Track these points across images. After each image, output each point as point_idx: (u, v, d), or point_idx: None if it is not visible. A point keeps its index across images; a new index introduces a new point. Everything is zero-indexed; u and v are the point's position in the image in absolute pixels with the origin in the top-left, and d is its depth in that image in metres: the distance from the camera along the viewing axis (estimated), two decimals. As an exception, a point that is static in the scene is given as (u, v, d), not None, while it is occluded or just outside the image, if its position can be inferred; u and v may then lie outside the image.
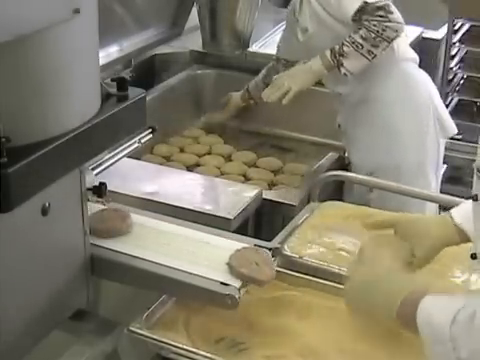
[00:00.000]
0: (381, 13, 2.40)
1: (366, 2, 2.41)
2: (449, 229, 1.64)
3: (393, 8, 2.43)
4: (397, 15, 2.43)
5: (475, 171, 1.46)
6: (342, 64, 2.48)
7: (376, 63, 2.50)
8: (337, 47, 2.48)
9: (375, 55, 2.45)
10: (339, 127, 2.74)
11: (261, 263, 1.64)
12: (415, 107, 2.59)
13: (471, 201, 1.50)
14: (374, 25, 2.41)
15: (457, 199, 1.96)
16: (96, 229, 1.68)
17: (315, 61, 2.56)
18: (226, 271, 1.61)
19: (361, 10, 2.43)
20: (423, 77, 2.64)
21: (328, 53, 2.51)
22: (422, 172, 2.60)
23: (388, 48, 2.47)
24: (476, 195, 1.47)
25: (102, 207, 1.77)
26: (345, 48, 2.47)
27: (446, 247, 1.66)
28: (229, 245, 1.70)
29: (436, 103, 2.63)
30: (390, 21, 2.41)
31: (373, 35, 2.42)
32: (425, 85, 2.63)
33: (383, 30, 2.41)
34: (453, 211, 1.67)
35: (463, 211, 1.65)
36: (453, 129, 2.69)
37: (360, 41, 2.44)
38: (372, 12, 2.41)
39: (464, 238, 1.63)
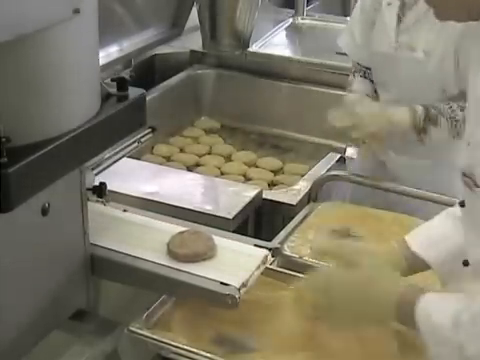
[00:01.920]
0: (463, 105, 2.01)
1: None
2: (395, 259, 1.56)
3: None
4: None
5: (461, 176, 1.41)
6: (429, 133, 2.13)
7: None
8: (431, 110, 2.12)
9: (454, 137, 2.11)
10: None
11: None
12: None
13: (458, 208, 1.48)
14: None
15: (455, 199, 1.95)
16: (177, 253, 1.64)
17: (401, 112, 2.15)
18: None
19: None
20: None
21: (419, 111, 2.13)
22: None
23: None
24: (463, 201, 1.45)
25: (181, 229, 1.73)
26: (441, 118, 2.11)
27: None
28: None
29: None
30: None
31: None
32: None
33: (453, 120, 2.10)
34: (408, 238, 1.60)
35: (420, 237, 1.60)
36: None
37: (457, 119, 2.09)
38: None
39: (417, 267, 1.57)
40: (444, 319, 1.30)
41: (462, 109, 2.03)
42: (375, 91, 2.37)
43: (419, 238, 1.61)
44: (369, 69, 2.37)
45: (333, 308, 1.45)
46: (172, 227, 1.76)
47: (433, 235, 1.60)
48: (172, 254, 1.64)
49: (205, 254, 1.65)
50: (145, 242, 1.70)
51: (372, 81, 2.36)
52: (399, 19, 2.20)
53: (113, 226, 1.74)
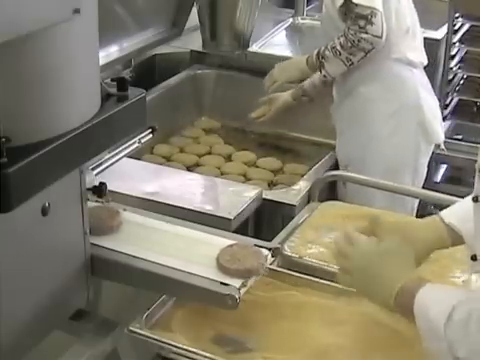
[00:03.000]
0: (361, 23, 2.42)
1: (351, 2, 2.40)
2: (438, 231, 1.60)
3: (377, 19, 2.40)
4: (377, 27, 2.41)
5: (477, 172, 1.46)
6: (323, 67, 2.58)
7: (369, 60, 2.51)
8: (322, 49, 2.57)
9: (352, 63, 2.52)
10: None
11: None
12: (396, 108, 2.58)
13: (471, 202, 1.49)
14: (351, 34, 2.45)
15: (454, 198, 1.95)
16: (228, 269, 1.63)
17: (303, 59, 2.73)
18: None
19: (346, 8, 2.44)
20: (415, 81, 2.61)
21: (315, 53, 2.62)
22: (393, 173, 2.56)
23: (383, 48, 2.47)
24: (477, 196, 1.46)
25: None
26: (327, 52, 2.55)
27: (436, 250, 1.61)
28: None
29: (425, 109, 2.59)
30: (367, 33, 2.42)
31: (349, 44, 2.47)
32: (415, 89, 2.60)
33: (358, 41, 2.45)
34: (443, 212, 1.63)
35: (455, 211, 1.62)
36: (439, 137, 2.67)
37: (338, 48, 2.50)
38: (355, 19, 2.43)
39: (456, 240, 1.59)
40: (439, 314, 1.30)
41: (338, 37, 2.50)
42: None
43: (454, 212, 1.62)
44: None
45: (352, 272, 1.51)
46: (173, 227, 1.76)
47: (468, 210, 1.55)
48: (222, 269, 1.62)
49: (258, 271, 1.63)
50: (145, 242, 1.70)
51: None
52: None
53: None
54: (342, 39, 2.48)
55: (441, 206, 1.84)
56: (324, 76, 2.61)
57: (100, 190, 1.70)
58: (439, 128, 2.69)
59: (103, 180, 1.73)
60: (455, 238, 1.59)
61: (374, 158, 2.60)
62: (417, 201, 2.67)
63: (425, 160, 2.70)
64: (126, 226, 1.75)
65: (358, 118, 2.63)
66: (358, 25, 2.43)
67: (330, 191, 2.49)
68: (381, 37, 2.44)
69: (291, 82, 2.80)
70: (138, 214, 1.82)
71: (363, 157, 2.60)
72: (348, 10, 2.45)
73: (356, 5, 2.41)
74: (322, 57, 2.57)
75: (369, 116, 2.61)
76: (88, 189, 1.64)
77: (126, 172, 2.26)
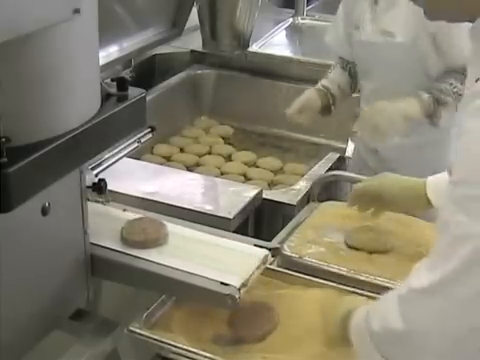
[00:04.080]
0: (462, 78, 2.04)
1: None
2: (417, 200, 1.79)
3: None
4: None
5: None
6: (440, 115, 2.18)
7: None
8: (436, 93, 2.17)
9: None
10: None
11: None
12: None
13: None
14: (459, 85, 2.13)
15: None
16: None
17: (411, 105, 2.18)
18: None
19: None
20: None
21: (427, 98, 2.17)
22: None
23: None
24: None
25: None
26: (448, 98, 2.16)
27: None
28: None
29: None
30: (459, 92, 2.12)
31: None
32: None
33: (459, 95, 2.12)
34: (429, 180, 1.78)
35: (438, 182, 1.72)
36: None
37: (460, 93, 2.10)
38: (462, 71, 2.04)
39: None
40: (360, 312, 1.39)
41: (462, 82, 2.04)
42: (351, 86, 2.49)
43: (437, 184, 1.74)
44: (352, 63, 2.45)
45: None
46: (171, 226, 1.76)
47: None
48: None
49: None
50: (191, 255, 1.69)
51: (351, 75, 2.48)
52: (373, 6, 2.29)
53: (113, 226, 1.74)
54: (459, 87, 2.11)
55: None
56: (435, 125, 2.19)
57: (100, 187, 1.70)
58: None
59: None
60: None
61: None
62: None
63: None
64: (172, 238, 1.72)
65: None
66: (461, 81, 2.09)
67: (330, 191, 2.49)
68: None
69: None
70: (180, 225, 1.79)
71: None
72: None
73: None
74: (441, 104, 2.16)
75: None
76: (88, 186, 1.63)
77: (126, 172, 2.26)
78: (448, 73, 2.21)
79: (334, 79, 2.49)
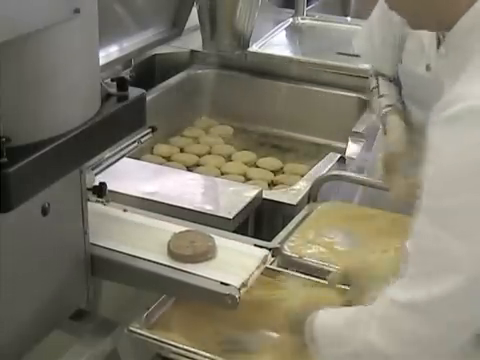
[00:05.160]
0: None
1: None
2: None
3: None
4: None
5: None
6: None
7: None
8: None
9: None
10: None
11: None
12: None
13: None
14: None
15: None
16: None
17: None
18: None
19: None
20: None
21: None
22: None
23: None
24: None
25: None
26: None
27: None
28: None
29: None
30: None
31: None
32: None
33: None
34: None
35: None
36: None
37: None
38: None
39: None
40: (336, 321, 1.38)
41: None
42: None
43: None
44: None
45: None
46: (172, 227, 1.76)
47: None
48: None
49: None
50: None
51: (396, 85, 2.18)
52: (439, 41, 1.75)
53: (113, 226, 1.74)
54: None
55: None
56: None
57: (100, 190, 1.71)
58: None
59: (103, 180, 1.73)
60: None
61: None
62: None
63: None
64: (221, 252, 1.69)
65: None
66: None
67: (330, 191, 2.49)
68: None
69: None
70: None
71: None
72: None
73: None
74: None
75: None
76: (88, 189, 1.64)
77: (126, 172, 2.26)
78: None
79: (392, 95, 2.16)
